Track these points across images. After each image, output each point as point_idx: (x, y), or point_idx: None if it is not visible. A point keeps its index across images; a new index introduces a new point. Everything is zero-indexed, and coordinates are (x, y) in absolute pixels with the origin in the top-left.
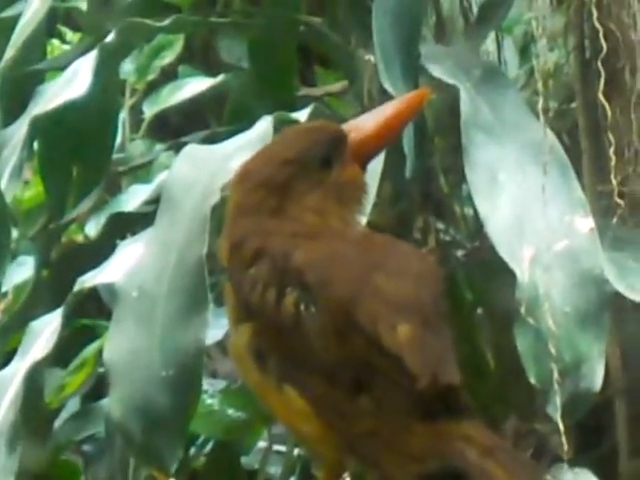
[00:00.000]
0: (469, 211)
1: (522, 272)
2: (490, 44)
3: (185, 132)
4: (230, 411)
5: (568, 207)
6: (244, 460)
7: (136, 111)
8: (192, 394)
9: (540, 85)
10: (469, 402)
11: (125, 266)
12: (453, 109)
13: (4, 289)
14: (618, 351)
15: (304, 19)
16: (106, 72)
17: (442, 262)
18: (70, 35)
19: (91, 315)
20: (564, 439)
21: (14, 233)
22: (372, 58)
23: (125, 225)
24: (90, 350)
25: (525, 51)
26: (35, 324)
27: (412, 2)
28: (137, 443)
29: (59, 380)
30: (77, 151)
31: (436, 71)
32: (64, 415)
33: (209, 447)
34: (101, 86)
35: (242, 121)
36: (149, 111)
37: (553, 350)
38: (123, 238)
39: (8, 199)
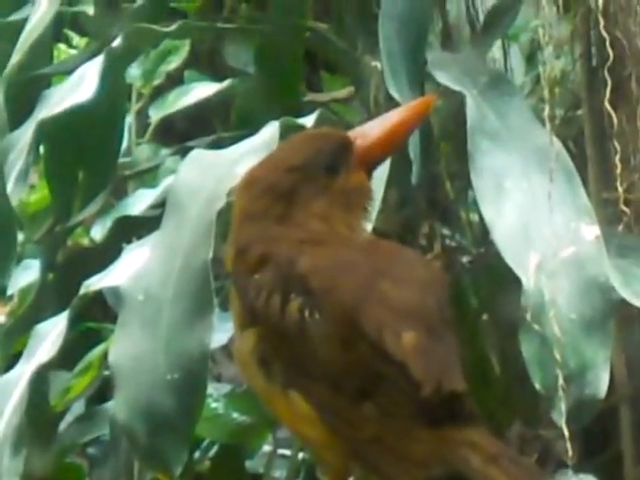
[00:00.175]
0: (475, 217)
1: (528, 279)
2: (496, 51)
3: (191, 137)
4: (235, 415)
5: (574, 214)
6: (249, 464)
7: (142, 116)
8: (197, 398)
9: (546, 92)
10: (474, 409)
11: (131, 270)
12: (459, 116)
13: (10, 292)
14: (623, 358)
15: (311, 25)
16: (112, 77)
17: (447, 268)
18: (77, 40)
19: (96, 318)
20: (569, 445)
21: (20, 236)
22: (378, 64)
23: (131, 229)
24: (95, 353)
25: (531, 58)
26: (41, 327)
27: (419, 9)
28: (142, 446)
29: (64, 383)
30: (83, 155)
31: (442, 78)
32: (69, 418)
33: (214, 451)
34: (107, 91)
35: (248, 126)
36: (155, 116)
37: (558, 356)
38: (129, 242)
39: (14, 203)
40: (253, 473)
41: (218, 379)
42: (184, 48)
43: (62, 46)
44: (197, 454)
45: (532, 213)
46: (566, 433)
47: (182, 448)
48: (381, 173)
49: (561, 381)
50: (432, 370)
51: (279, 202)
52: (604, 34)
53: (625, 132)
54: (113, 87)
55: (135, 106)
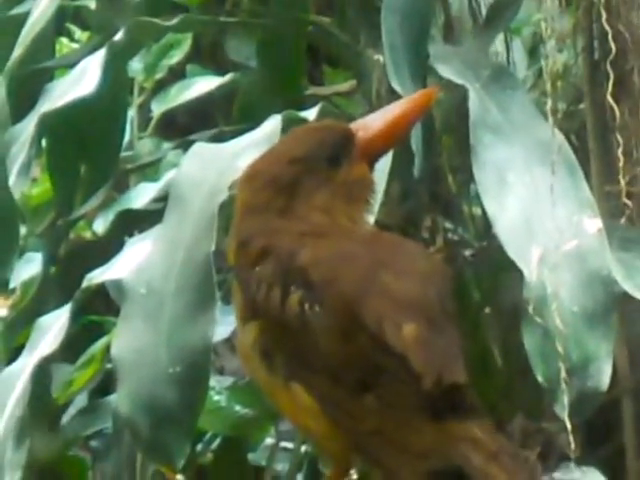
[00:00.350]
0: (477, 211)
1: (530, 271)
2: (499, 45)
3: (193, 131)
4: (237, 408)
5: (576, 207)
6: (251, 457)
7: (144, 109)
8: (199, 391)
9: (549, 86)
10: (475, 401)
11: (133, 263)
12: (461, 109)
13: (12, 285)
14: (625, 351)
15: (313, 19)
16: (114, 70)
17: (450, 261)
18: (79, 33)
19: (99, 312)
20: (571, 438)
21: (22, 230)
22: (381, 58)
23: (133, 222)
24: (98, 346)
25: (534, 52)
26: (43, 320)
27: (421, 2)
28: (145, 439)
29: (67, 376)
30: (85, 149)
31: (445, 71)
32: (72, 411)
33: (216, 443)
34: (109, 84)
35: (250, 120)
36: (157, 110)
37: (561, 349)
38: (131, 235)
39: (16, 196)
40: (255, 466)
41: (221, 372)
42: (186, 42)
43: (64, 40)
44: (199, 447)
45: (534, 206)
46: (568, 426)
47: (185, 441)
48: (383, 166)
49: (563, 374)
50: (432, 362)
51: (281, 194)
52: (606, 27)
53: (627, 125)
54: (115, 81)
55: (137, 100)
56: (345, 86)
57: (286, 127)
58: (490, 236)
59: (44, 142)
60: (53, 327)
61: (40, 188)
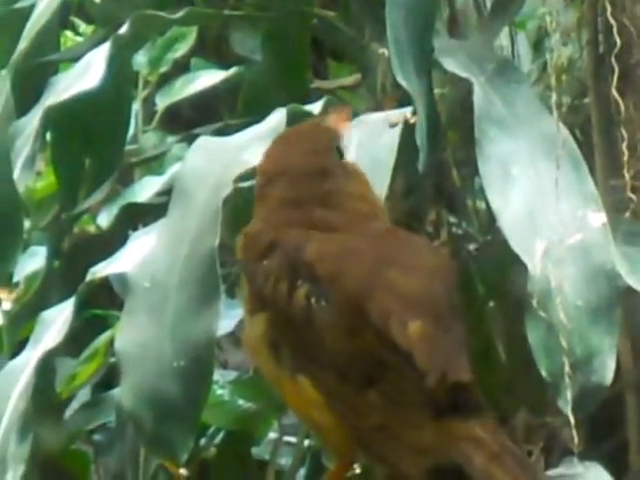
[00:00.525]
0: (481, 205)
1: (534, 265)
2: (504, 39)
3: (198, 124)
4: (241, 402)
5: (581, 201)
6: (255, 451)
7: (149, 103)
8: (203, 385)
9: (553, 80)
10: (480, 400)
11: (137, 257)
12: (466, 103)
13: (16, 279)
14: (629, 345)
15: (317, 12)
16: (119, 64)
17: (454, 256)
18: (83, 27)
19: (103, 305)
20: (575, 432)
21: (26, 223)
22: (385, 51)
23: (137, 216)
24: (101, 340)
25: (538, 46)
26: (46, 314)
27: None
28: (148, 433)
29: (70, 370)
30: (90, 142)
31: (449, 65)
32: (75, 405)
33: (220, 438)
34: (114, 78)
35: (255, 113)
36: (162, 103)
37: (564, 344)
38: (135, 229)
39: (20, 189)
40: (259, 460)
41: (224, 366)
42: (191, 35)
43: (69, 33)
44: (203, 441)
45: (539, 200)
46: (572, 420)
47: (188, 435)
48: (388, 160)
49: (567, 368)
50: (437, 360)
51: (322, 184)
52: (611, 21)
53: (632, 119)
54: (120, 74)
55: (142, 93)
56: (350, 80)
57: (291, 121)
58: (494, 230)
59: (48, 136)
60: (57, 321)
61: (44, 182)
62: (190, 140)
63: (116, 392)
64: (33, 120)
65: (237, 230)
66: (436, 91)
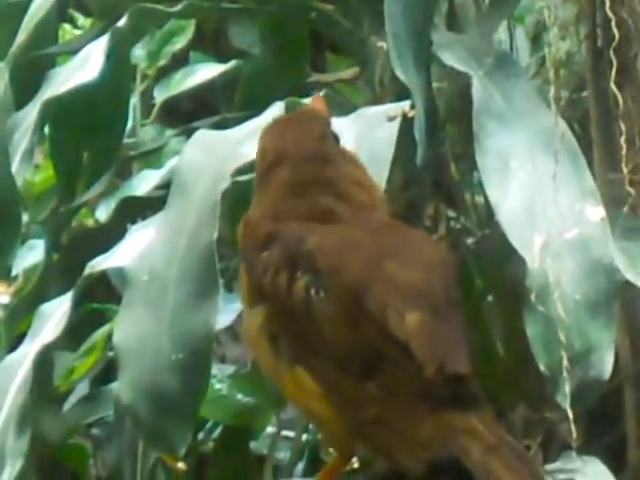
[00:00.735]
0: (480, 199)
1: (532, 260)
2: (502, 32)
3: (196, 118)
4: (239, 396)
5: (579, 195)
6: (253, 445)
7: (147, 96)
8: (201, 378)
9: (551, 74)
10: (479, 392)
11: (135, 250)
12: (465, 97)
13: (14, 272)
14: (627, 339)
15: (316, 5)
16: (117, 57)
17: (452, 250)
18: (82, 20)
19: (101, 299)
20: (573, 427)
21: (24, 217)
22: (384, 45)
23: (136, 209)
24: (100, 334)
25: (537, 40)
26: (45, 308)
27: None
28: (146, 427)
29: (68, 363)
30: (88, 135)
31: (448, 59)
32: (73, 399)
33: (218, 432)
34: (112, 71)
35: (253, 107)
36: (160, 97)
37: (563, 338)
38: (133, 222)
39: (19, 183)
40: (257, 454)
41: (222, 360)
42: (189, 29)
43: (67, 26)
44: (201, 435)
45: (537, 194)
46: (570, 415)
47: (186, 429)
48: (386, 154)
49: (565, 362)
50: (435, 351)
51: (326, 168)
52: (610, 15)
53: (631, 113)
54: (118, 67)
55: (140, 87)
56: (348, 73)
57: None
58: (493, 224)
59: (47, 129)
60: (55, 315)
61: (43, 175)
62: (188, 133)
63: (114, 386)
64: (31, 113)
65: (235, 223)
66: (434, 85)
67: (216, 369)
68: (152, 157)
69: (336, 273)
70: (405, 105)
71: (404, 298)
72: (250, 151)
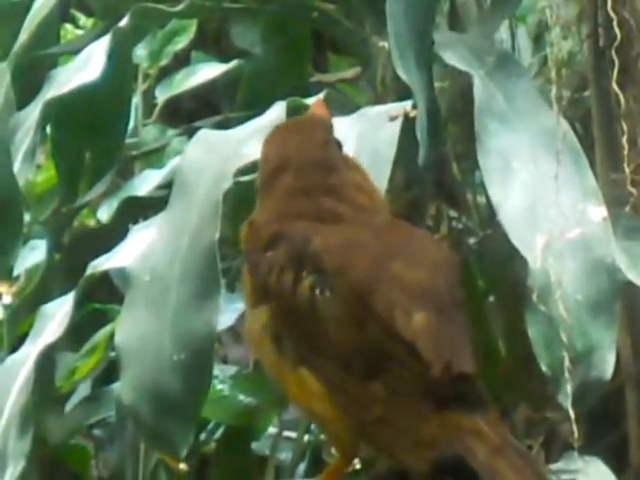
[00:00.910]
0: (482, 199)
1: (534, 259)
2: (504, 32)
3: (198, 117)
4: (241, 397)
5: (581, 195)
6: (255, 446)
7: (149, 96)
8: (203, 379)
9: (553, 73)
10: (484, 392)
11: (137, 250)
12: (466, 96)
13: (16, 273)
14: (629, 339)
15: (318, 5)
16: (119, 57)
17: (454, 250)
18: (83, 20)
19: (103, 299)
20: (575, 427)
21: (26, 217)
22: (386, 45)
23: (137, 209)
24: (101, 334)
25: (538, 39)
26: (47, 308)
27: None
28: (148, 427)
29: (70, 364)
30: (90, 135)
31: (450, 58)
32: (75, 399)
33: (220, 432)
34: (114, 71)
35: (255, 107)
36: (162, 96)
37: (564, 338)
38: (135, 223)
39: (20, 183)
40: (259, 455)
41: (224, 361)
42: (191, 28)
43: (69, 26)
44: (203, 436)
45: (539, 194)
46: (572, 415)
47: (188, 429)
48: (388, 154)
49: (567, 362)
50: (441, 351)
51: (329, 175)
52: (611, 14)
53: (633, 113)
54: (120, 67)
55: (142, 86)
56: (350, 73)
57: (291, 114)
58: (494, 224)
59: (49, 129)
60: (57, 315)
61: (44, 175)
62: (190, 133)
63: (116, 386)
64: (33, 113)
65: (237, 223)
66: (436, 84)
67: (218, 370)
68: (154, 157)
69: (342, 273)
70: (407, 105)
71: (410, 298)
72: (252, 151)
